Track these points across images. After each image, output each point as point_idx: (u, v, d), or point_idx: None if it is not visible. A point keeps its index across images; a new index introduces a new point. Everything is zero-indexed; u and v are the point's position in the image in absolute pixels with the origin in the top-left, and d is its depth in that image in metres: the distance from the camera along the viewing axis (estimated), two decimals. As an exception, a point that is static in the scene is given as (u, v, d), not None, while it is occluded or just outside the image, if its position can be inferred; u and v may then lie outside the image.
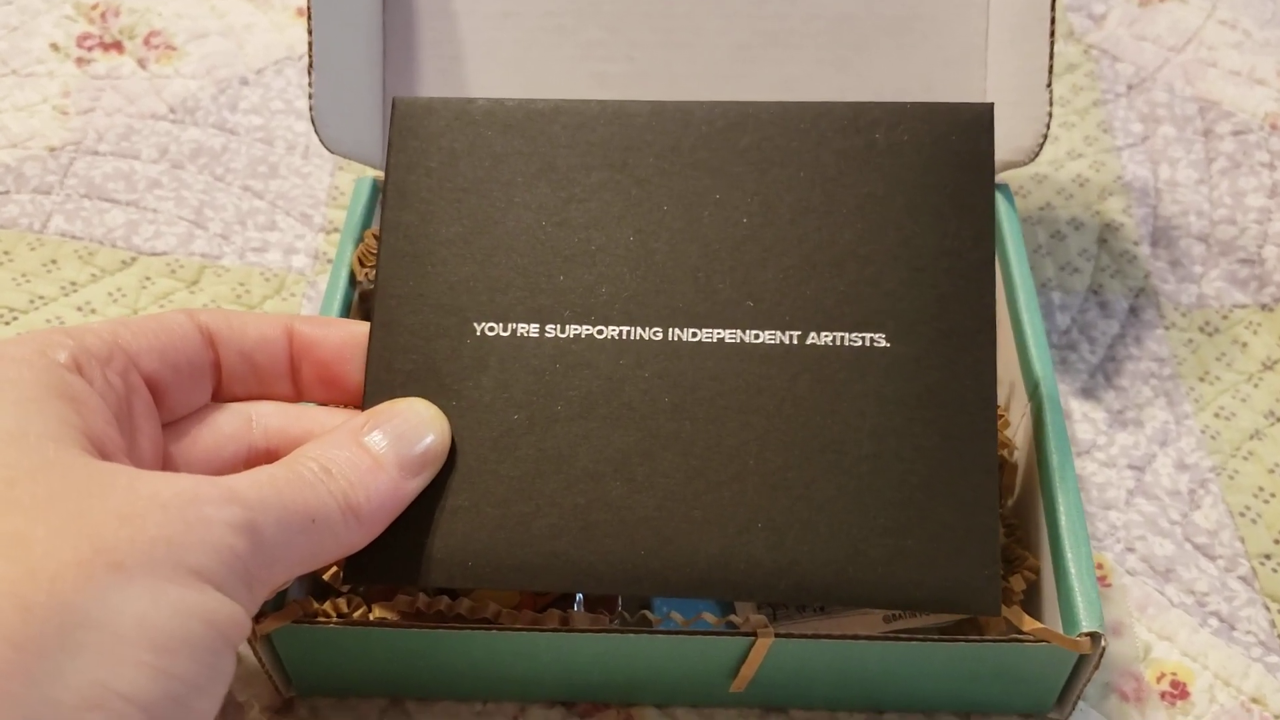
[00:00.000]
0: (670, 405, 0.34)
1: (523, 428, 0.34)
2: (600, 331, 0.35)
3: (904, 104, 0.36)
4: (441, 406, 0.34)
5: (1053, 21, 0.43)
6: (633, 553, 0.33)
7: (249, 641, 0.37)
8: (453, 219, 0.36)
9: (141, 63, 0.61)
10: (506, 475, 0.34)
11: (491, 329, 0.35)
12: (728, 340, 0.35)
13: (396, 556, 0.33)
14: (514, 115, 0.37)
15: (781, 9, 0.48)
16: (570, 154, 0.36)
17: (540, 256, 0.35)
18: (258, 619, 0.36)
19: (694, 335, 0.35)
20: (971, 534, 0.33)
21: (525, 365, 0.35)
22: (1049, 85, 0.44)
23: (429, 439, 0.33)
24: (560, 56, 0.49)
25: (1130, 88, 0.64)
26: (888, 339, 0.34)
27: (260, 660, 0.38)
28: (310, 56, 0.44)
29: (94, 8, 0.63)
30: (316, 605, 0.37)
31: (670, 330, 0.35)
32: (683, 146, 0.36)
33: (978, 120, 0.35)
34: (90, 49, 0.61)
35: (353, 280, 0.46)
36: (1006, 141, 0.47)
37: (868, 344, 0.34)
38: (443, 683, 0.40)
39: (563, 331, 0.35)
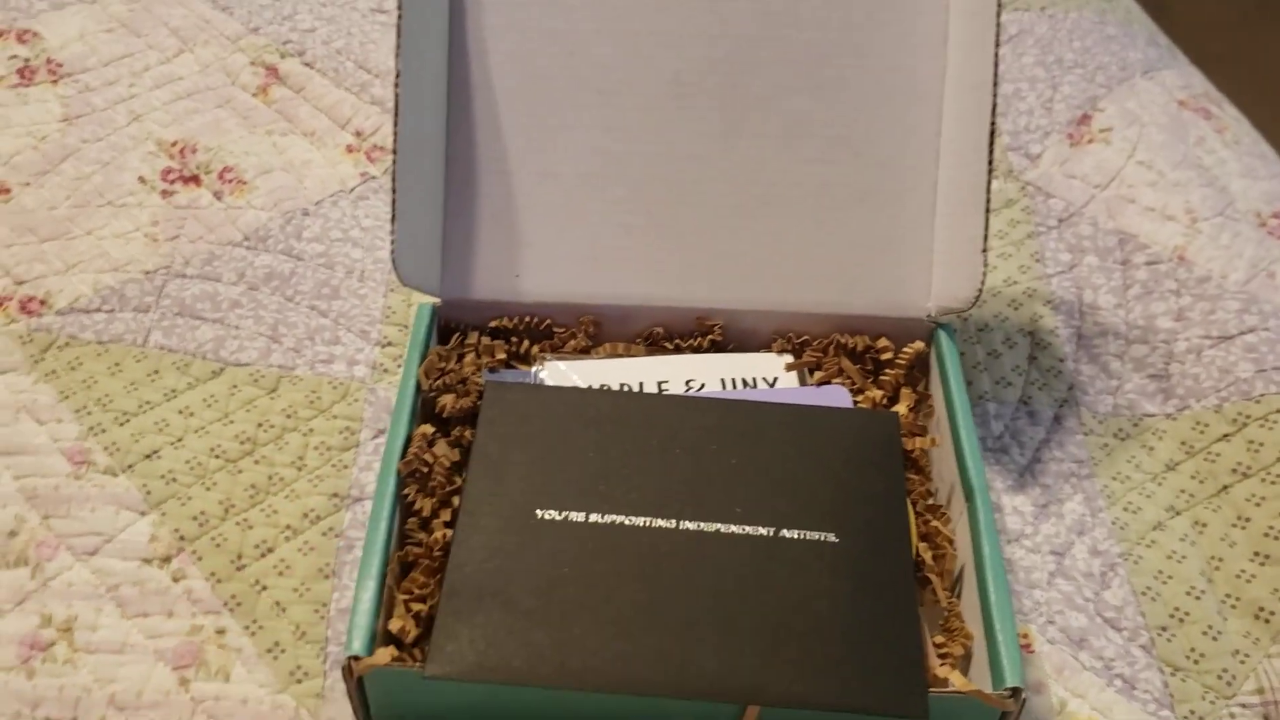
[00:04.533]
0: (680, 571, 0.48)
1: (569, 579, 0.47)
2: (630, 520, 0.49)
3: (842, 409, 0.55)
4: (506, 563, 0.48)
5: (988, 199, 0.54)
6: (651, 669, 0.45)
7: (345, 681, 0.46)
8: (524, 449, 0.52)
9: (217, 195, 0.71)
10: (555, 610, 0.47)
11: (549, 515, 0.50)
12: (722, 531, 0.49)
13: (470, 656, 0.46)
14: (571, 395, 0.54)
15: (773, 176, 0.59)
16: (611, 417, 0.53)
17: (586, 474, 0.51)
18: (354, 660, 0.45)
19: (698, 526, 0.49)
20: (904, 664, 0.46)
21: (573, 537, 0.49)
22: (984, 250, 0.54)
23: None
24: (591, 210, 0.59)
25: (1060, 221, 0.75)
26: (836, 537, 0.49)
27: (351, 697, 0.47)
28: (393, 210, 0.54)
29: (174, 144, 0.73)
30: (398, 652, 0.47)
31: (680, 522, 0.49)
32: (690, 422, 0.53)
33: (889, 421, 0.54)
34: (173, 182, 0.72)
35: (418, 389, 0.56)
36: (949, 292, 0.58)
37: (822, 539, 0.49)
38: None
39: (603, 518, 0.49)
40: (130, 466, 0.58)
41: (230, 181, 0.72)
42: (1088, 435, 0.63)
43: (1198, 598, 0.56)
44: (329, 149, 0.75)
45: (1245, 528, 0.58)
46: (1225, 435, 0.62)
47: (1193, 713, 0.52)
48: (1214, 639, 0.54)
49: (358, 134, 0.76)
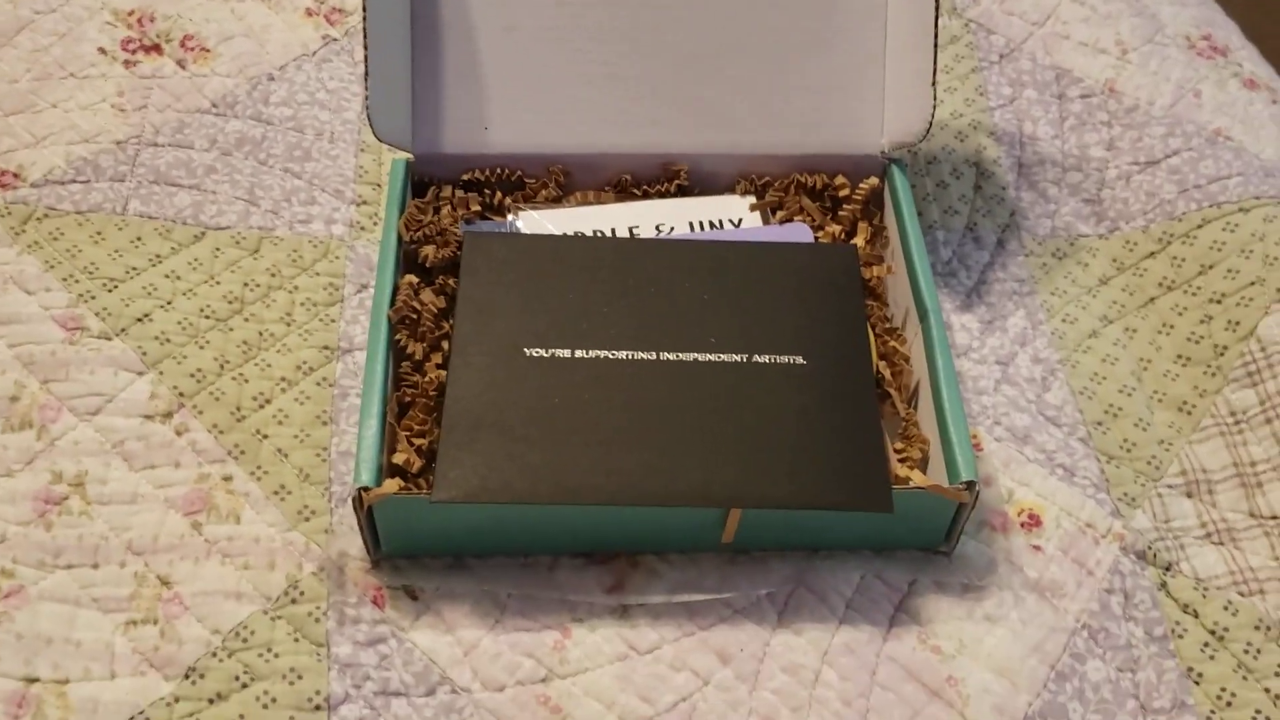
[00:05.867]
0: (662, 396, 0.52)
1: (560, 408, 0.51)
2: (613, 354, 0.53)
3: (804, 244, 0.59)
4: (500, 396, 0.51)
5: (936, 35, 0.57)
6: (642, 482, 0.50)
7: (354, 511, 0.50)
8: (507, 293, 0.55)
9: (181, 64, 0.72)
10: (549, 436, 0.51)
11: (537, 352, 0.53)
12: (699, 359, 0.53)
13: (473, 480, 0.50)
14: (548, 241, 0.58)
15: (728, 22, 0.61)
16: (587, 261, 0.56)
17: (569, 314, 0.54)
18: (364, 491, 0.49)
19: (676, 356, 0.53)
20: (870, 465, 0.51)
21: (562, 371, 0.53)
22: (933, 84, 0.58)
23: None
24: (554, 62, 0.61)
25: (1001, 57, 0.78)
26: (804, 359, 0.53)
27: (361, 528, 0.51)
28: (366, 67, 0.56)
29: (130, 14, 0.73)
30: (404, 483, 0.51)
31: (660, 353, 0.53)
32: (663, 263, 0.57)
33: (848, 253, 0.58)
34: (134, 52, 0.72)
35: (399, 241, 0.58)
36: (900, 126, 0.61)
37: (791, 362, 0.53)
38: (495, 543, 0.53)
39: (587, 354, 0.53)
40: (123, 330, 0.60)
41: (193, 49, 0.72)
42: (1028, 256, 0.67)
43: (1129, 395, 0.61)
44: (288, 13, 0.75)
45: (1169, 334, 0.63)
46: (1152, 253, 0.67)
47: (1126, 494, 0.57)
48: (1144, 430, 0.60)
49: (311, -3, 0.76)
